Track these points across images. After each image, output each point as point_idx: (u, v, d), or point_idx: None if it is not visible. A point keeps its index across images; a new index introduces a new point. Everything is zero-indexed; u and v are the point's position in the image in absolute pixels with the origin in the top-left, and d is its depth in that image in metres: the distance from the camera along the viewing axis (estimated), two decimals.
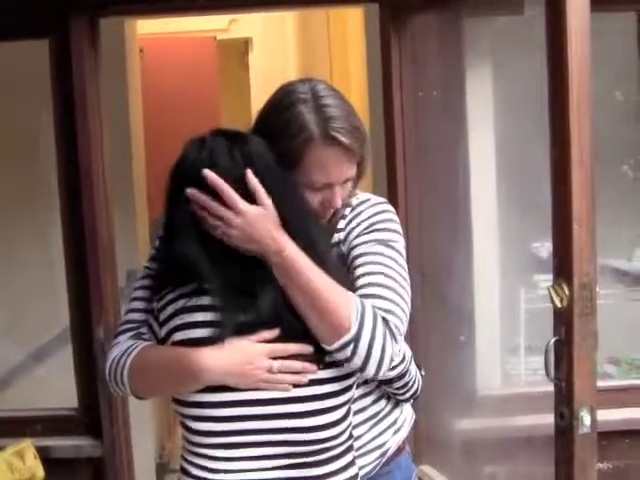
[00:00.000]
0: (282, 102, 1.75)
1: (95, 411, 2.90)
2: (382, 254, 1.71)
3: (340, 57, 4.83)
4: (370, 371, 1.62)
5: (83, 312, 2.89)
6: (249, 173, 1.61)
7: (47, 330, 3.53)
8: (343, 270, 1.72)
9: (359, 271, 1.69)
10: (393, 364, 1.73)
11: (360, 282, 1.67)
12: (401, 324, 1.64)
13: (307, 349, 1.63)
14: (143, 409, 3.52)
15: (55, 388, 3.23)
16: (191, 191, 1.61)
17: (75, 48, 2.76)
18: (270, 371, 1.62)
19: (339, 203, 1.76)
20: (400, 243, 1.76)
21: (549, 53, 1.93)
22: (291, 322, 1.63)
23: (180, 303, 1.67)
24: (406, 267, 1.74)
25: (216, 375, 1.61)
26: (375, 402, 1.78)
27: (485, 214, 3.04)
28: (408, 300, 1.69)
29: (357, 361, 1.60)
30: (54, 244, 3.10)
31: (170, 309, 1.68)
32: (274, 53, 6.46)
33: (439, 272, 2.89)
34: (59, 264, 2.98)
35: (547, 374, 1.95)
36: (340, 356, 1.62)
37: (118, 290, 3.07)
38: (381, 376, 1.68)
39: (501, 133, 3.04)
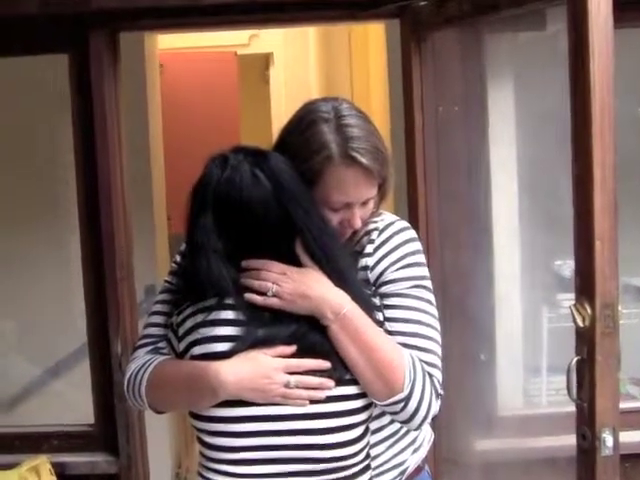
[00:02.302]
0: (303, 120, 1.76)
1: (111, 427, 2.90)
2: (420, 298, 1.75)
3: (361, 72, 4.84)
4: (412, 426, 1.70)
5: (101, 327, 2.90)
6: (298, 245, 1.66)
7: (64, 345, 3.54)
8: (366, 293, 1.74)
9: (396, 313, 1.73)
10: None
11: (399, 327, 1.71)
12: (440, 375, 1.71)
13: (324, 365, 1.64)
14: (160, 425, 3.52)
15: (71, 403, 3.25)
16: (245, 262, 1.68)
17: (95, 63, 2.78)
18: (287, 386, 1.63)
19: (358, 223, 1.77)
20: (428, 277, 1.79)
21: (571, 69, 1.93)
22: (311, 338, 1.65)
23: (199, 317, 1.68)
24: (434, 301, 1.78)
25: (233, 389, 1.61)
26: (393, 421, 1.78)
27: (507, 231, 3.02)
28: (441, 342, 1.75)
29: (403, 416, 1.67)
30: (72, 259, 3.12)
31: (189, 323, 1.69)
32: (295, 68, 6.48)
33: (460, 290, 2.88)
34: (77, 279, 3.00)
35: (569, 394, 1.94)
36: (388, 410, 1.68)
37: (136, 305, 3.09)
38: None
39: (523, 149, 3.03)
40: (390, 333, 1.70)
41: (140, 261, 3.15)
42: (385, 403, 1.66)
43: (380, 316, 1.72)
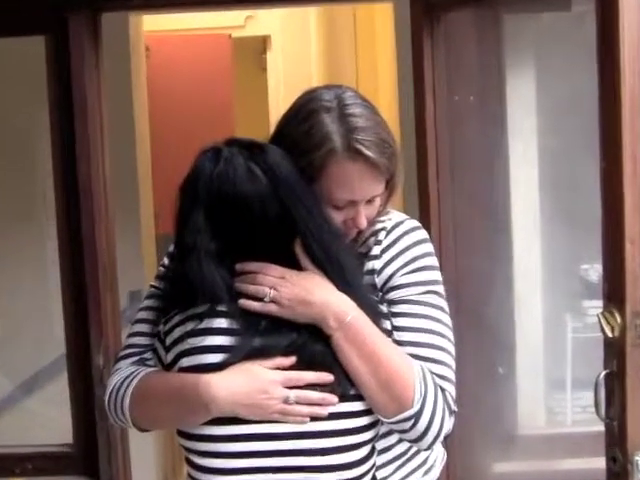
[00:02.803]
0: (303, 109, 1.76)
1: (92, 447, 2.89)
2: (431, 305, 1.74)
3: (367, 57, 4.84)
4: (423, 445, 1.69)
5: (80, 337, 2.89)
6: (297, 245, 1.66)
7: (40, 357, 3.54)
8: (372, 299, 1.73)
9: (405, 322, 1.72)
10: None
11: (408, 337, 1.71)
12: (454, 389, 1.71)
13: (327, 378, 1.63)
14: (145, 445, 3.52)
15: (48, 421, 3.24)
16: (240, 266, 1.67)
17: (74, 46, 2.77)
18: (286, 401, 1.62)
19: (364, 223, 1.76)
20: (441, 282, 1.79)
21: (599, 53, 1.92)
22: (311, 348, 1.64)
23: (189, 325, 1.67)
24: (447, 308, 1.78)
25: (226, 405, 1.61)
26: (402, 440, 1.78)
27: (527, 232, 3.03)
28: (454, 354, 1.75)
29: (413, 435, 1.67)
30: (49, 261, 3.11)
31: (178, 332, 1.69)
32: (295, 53, 6.48)
33: (475, 296, 2.88)
34: (55, 283, 2.99)
35: (597, 412, 1.93)
36: (396, 427, 1.67)
37: (120, 313, 3.08)
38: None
39: (545, 142, 3.03)
40: (399, 343, 1.69)
41: (124, 264, 3.15)
42: (393, 420, 1.65)
43: (388, 325, 1.71)
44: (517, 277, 2.95)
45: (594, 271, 3.06)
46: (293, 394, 1.62)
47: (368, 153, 1.70)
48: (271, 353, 1.63)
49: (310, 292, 1.65)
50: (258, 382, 1.62)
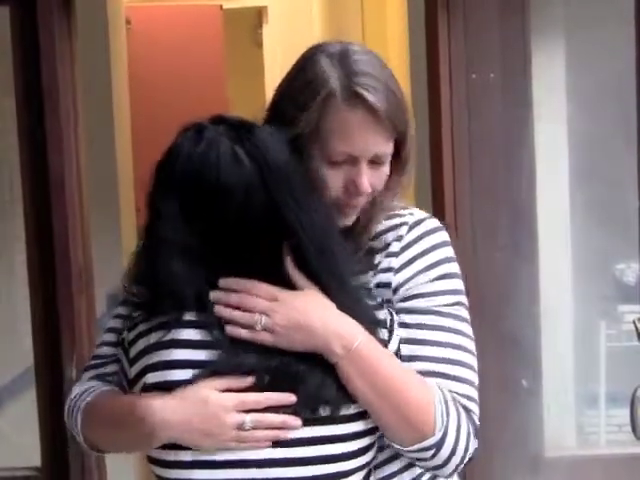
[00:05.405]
0: (303, 59, 1.75)
1: (63, 472, 2.88)
2: (458, 318, 1.75)
3: (376, 32, 4.84)
4: (445, 472, 1.69)
5: (51, 347, 2.88)
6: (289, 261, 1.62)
7: (4, 371, 3.53)
8: (377, 318, 1.70)
9: (431, 335, 1.72)
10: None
11: (434, 352, 1.70)
12: (478, 409, 1.72)
13: (288, 398, 1.59)
14: (124, 471, 3.51)
15: (13, 442, 3.23)
16: (215, 294, 1.63)
17: (43, 18, 2.76)
18: (241, 427, 1.58)
19: (366, 186, 1.71)
20: (463, 290, 1.79)
21: (637, 26, 1.91)
22: (295, 368, 1.60)
23: (154, 337, 1.64)
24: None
25: (174, 432, 1.58)
26: (407, 468, 1.76)
27: (555, 228, 3.02)
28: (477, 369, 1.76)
29: (434, 463, 1.66)
30: (17, 263, 3.10)
31: (142, 343, 1.66)
32: (294, 26, 6.48)
33: (495, 299, 2.87)
34: (22, 287, 2.98)
35: (634, 431, 1.93)
36: (414, 456, 1.67)
37: (96, 320, 3.07)
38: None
39: (576, 126, 3.02)
40: (420, 358, 1.69)
41: (102, 264, 3.15)
42: (411, 449, 1.64)
43: (386, 334, 1.68)
44: (543, 279, 2.94)
45: (631, 271, 3.06)
46: (249, 419, 1.58)
47: (369, 97, 1.66)
48: (242, 370, 1.59)
49: (308, 315, 1.61)
50: (207, 407, 1.58)
